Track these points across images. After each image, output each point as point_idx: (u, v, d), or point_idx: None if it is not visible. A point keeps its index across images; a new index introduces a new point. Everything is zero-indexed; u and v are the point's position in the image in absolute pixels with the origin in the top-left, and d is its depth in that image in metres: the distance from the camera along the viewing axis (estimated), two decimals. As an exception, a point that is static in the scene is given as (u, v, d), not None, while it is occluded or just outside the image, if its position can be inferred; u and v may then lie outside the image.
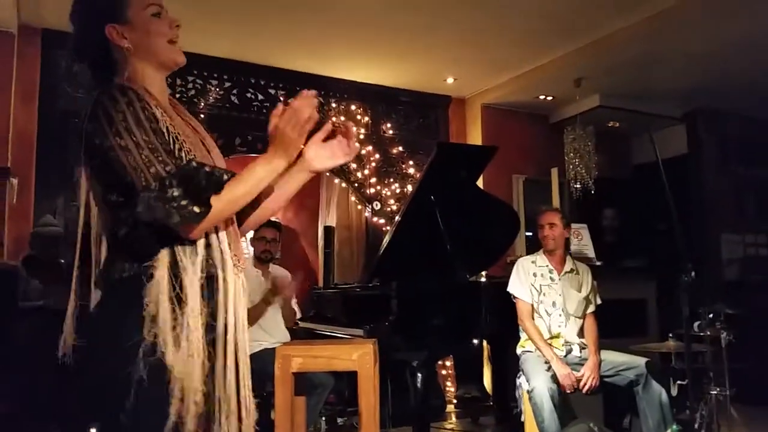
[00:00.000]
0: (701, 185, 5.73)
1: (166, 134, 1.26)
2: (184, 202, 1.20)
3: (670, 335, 2.97)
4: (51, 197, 4.15)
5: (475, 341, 4.01)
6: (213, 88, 4.80)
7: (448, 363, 5.12)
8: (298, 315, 3.98)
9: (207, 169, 1.25)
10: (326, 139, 1.45)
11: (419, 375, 3.21)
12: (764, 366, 4.31)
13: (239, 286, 1.38)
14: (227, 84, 4.88)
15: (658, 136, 6.12)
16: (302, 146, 1.40)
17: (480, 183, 5.37)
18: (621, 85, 5.30)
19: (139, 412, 1.19)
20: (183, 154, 1.27)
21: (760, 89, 5.18)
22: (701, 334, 2.87)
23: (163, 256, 1.26)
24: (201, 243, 1.30)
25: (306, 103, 1.33)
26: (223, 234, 1.36)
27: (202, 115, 4.63)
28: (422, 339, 3.18)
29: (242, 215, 1.51)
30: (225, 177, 1.26)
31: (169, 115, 1.32)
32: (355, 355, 1.90)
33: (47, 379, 3.34)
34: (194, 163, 1.25)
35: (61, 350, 1.37)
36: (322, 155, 1.45)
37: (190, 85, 4.72)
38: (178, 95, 4.56)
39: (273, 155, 1.32)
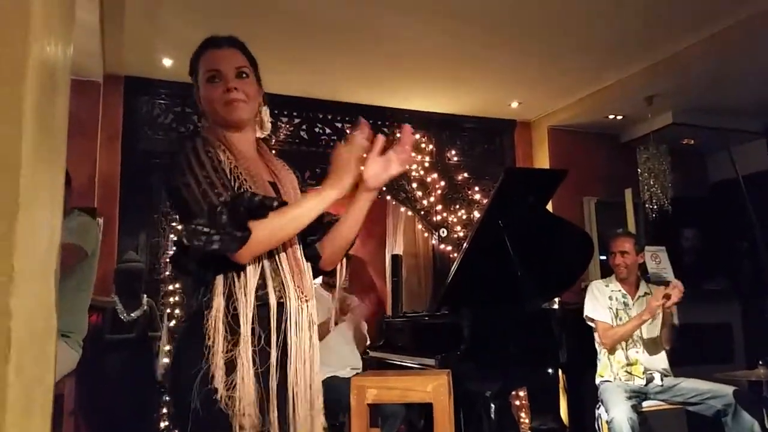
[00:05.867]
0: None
1: (227, 173, 1.36)
2: (228, 228, 1.27)
3: (760, 362, 2.79)
4: (133, 234, 4.38)
5: (550, 371, 3.91)
6: (283, 125, 4.98)
7: (522, 393, 4.99)
8: (368, 342, 4.01)
9: (254, 197, 1.33)
10: (382, 153, 1.50)
11: (493, 406, 3.16)
12: None
13: (304, 316, 1.42)
14: (297, 120, 5.04)
15: (736, 151, 5.86)
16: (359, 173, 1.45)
17: (549, 207, 5.30)
18: (694, 101, 5.11)
19: None
20: (243, 191, 1.36)
21: None
22: (797, 361, 2.68)
23: (219, 285, 1.33)
24: (254, 272, 1.36)
25: (359, 132, 1.41)
26: (283, 261, 1.41)
27: (273, 151, 4.79)
28: (495, 368, 3.13)
29: (314, 248, 1.57)
30: (273, 204, 1.33)
31: (239, 157, 1.43)
32: (430, 387, 1.89)
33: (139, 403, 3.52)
34: (246, 194, 1.33)
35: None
36: (377, 170, 1.49)
37: (262, 123, 4.90)
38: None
39: (325, 186, 1.40)
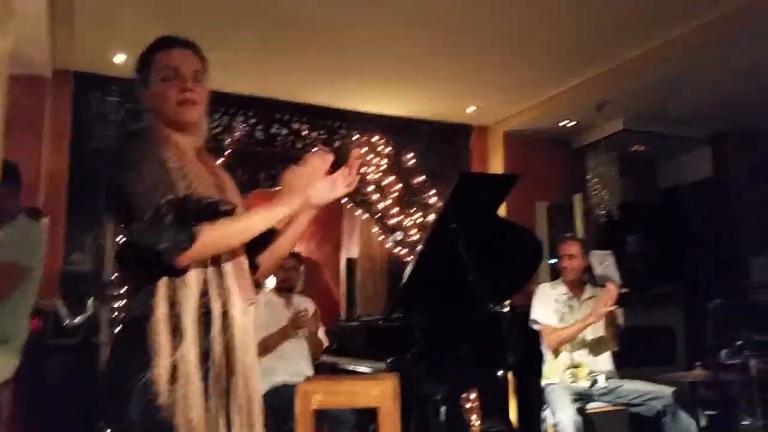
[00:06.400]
0: (729, 208, 5.61)
1: (172, 173, 1.34)
2: (173, 230, 1.26)
3: (697, 364, 2.90)
4: (81, 235, 4.26)
5: (500, 373, 3.96)
6: (238, 125, 4.92)
7: (473, 396, 5.05)
8: (326, 343, 3.99)
9: (203, 200, 1.32)
10: (331, 171, 1.52)
11: (443, 408, 3.18)
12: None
13: (247, 321, 1.41)
14: (252, 120, 4.99)
15: (683, 159, 6.07)
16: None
17: (503, 210, 5.38)
18: (645, 109, 5.25)
19: None
20: (191, 192, 1.34)
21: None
22: (729, 362, 2.79)
23: (162, 289, 1.31)
24: (198, 278, 1.34)
25: (316, 160, 1.46)
26: (228, 268, 1.40)
27: (228, 152, 4.75)
28: (445, 371, 3.15)
29: (254, 260, 1.56)
30: (221, 208, 1.33)
31: (183, 158, 1.41)
32: (376, 391, 1.90)
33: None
34: (192, 196, 1.32)
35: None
36: (322, 190, 1.51)
37: (216, 123, 4.83)
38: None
39: (277, 202, 1.42)
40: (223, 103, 4.78)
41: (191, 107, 1.48)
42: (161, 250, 1.26)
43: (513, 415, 4.42)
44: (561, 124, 5.60)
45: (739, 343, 2.89)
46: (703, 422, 2.89)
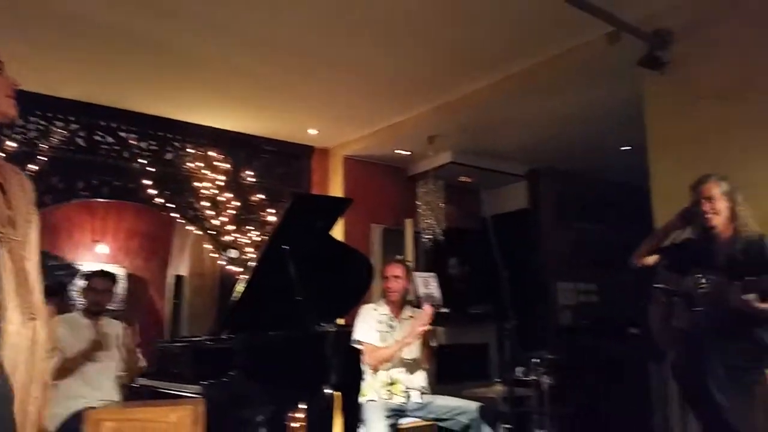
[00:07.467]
0: (541, 237, 6.24)
1: None
2: None
3: (497, 380, 3.16)
4: None
5: (327, 392, 4.01)
6: (57, 130, 4.54)
7: (300, 415, 5.04)
8: (143, 365, 3.77)
9: None
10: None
11: (262, 431, 3.15)
12: (585, 408, 4.67)
13: (23, 339, 1.31)
14: (74, 125, 4.64)
15: (503, 191, 6.65)
16: None
17: (341, 231, 5.51)
18: (471, 144, 5.68)
19: None
20: None
21: (596, 152, 5.75)
22: (525, 378, 3.08)
23: None
24: None
25: None
26: (6, 278, 1.30)
27: (43, 157, 4.36)
28: (267, 393, 3.13)
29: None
30: None
31: None
32: (174, 417, 1.84)
33: None
34: None
35: None
36: None
37: (32, 126, 4.43)
38: (18, 135, 4.28)
39: None
40: (40, 106, 4.40)
41: None
42: None
43: (338, 433, 4.48)
44: (396, 152, 5.87)
45: (535, 360, 3.20)
46: (502, 435, 3.14)
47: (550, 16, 3.62)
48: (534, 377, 3.15)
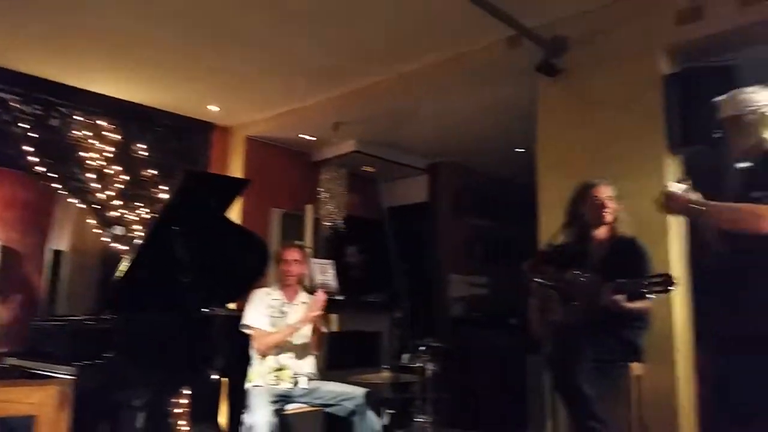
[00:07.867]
0: (437, 230, 6.40)
1: None
2: None
3: (384, 366, 3.22)
4: None
5: (213, 377, 3.91)
6: None
7: (185, 401, 4.89)
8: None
9: None
10: None
11: (140, 415, 3.03)
12: (465, 394, 4.87)
13: None
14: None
15: (404, 183, 6.75)
16: None
17: (239, 213, 5.36)
18: (376, 134, 5.70)
19: None
20: None
21: (493, 151, 5.95)
22: (411, 365, 3.16)
23: None
24: None
25: None
26: None
27: None
28: (144, 377, 3.01)
29: None
30: None
31: None
32: (35, 399, 1.71)
33: None
34: None
35: None
36: None
37: None
38: None
39: None
40: None
41: None
42: None
43: (223, 418, 4.39)
44: (300, 136, 5.80)
45: (421, 348, 3.29)
46: (385, 420, 3.21)
47: (455, 15, 3.69)
48: (419, 364, 3.24)
